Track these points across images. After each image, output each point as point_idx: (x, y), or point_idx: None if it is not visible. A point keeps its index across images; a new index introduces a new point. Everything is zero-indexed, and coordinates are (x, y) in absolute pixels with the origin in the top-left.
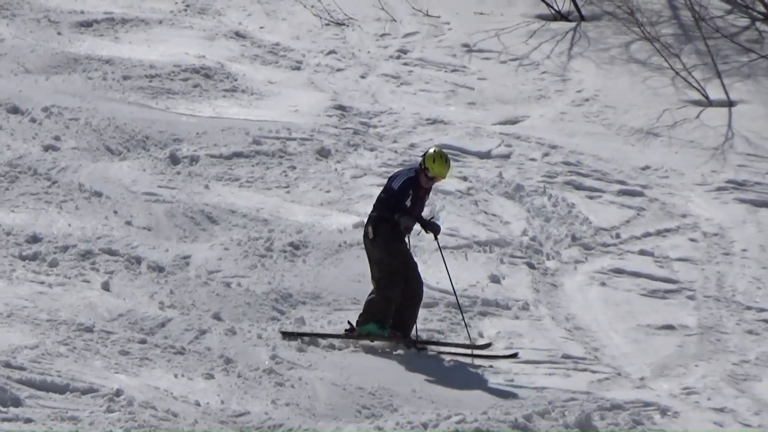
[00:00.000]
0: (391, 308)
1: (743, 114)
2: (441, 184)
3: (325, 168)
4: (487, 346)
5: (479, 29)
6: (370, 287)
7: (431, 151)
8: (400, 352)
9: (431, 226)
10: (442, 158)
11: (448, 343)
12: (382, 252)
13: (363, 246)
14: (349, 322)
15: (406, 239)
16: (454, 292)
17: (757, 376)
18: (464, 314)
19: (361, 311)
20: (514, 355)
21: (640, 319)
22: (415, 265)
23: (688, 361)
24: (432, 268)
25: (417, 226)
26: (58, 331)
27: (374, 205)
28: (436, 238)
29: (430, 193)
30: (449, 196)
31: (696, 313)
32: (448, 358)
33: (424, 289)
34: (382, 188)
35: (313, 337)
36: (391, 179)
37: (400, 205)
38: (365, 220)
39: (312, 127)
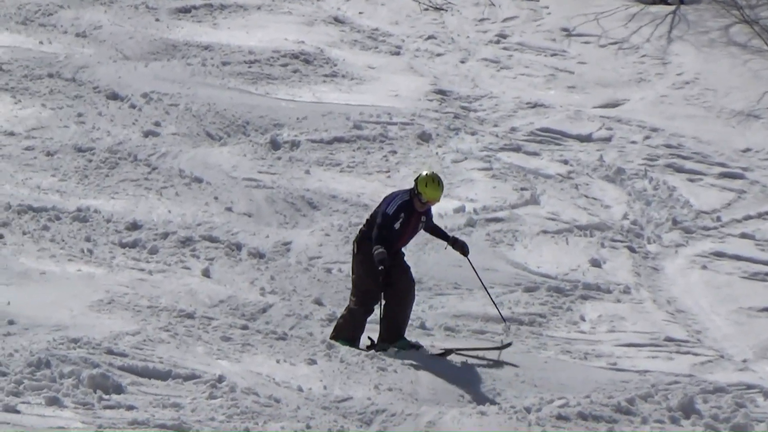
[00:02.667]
0: (356, 327)
1: None
2: (542, 168)
3: (425, 152)
4: (507, 346)
5: (578, 13)
6: (471, 272)
7: (423, 174)
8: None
9: (459, 246)
10: (434, 182)
11: (461, 349)
12: (360, 269)
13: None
14: (369, 338)
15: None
16: (493, 303)
17: None
18: (565, 297)
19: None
20: (507, 345)
21: (742, 301)
22: (403, 270)
23: None
24: (533, 252)
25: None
26: (159, 317)
27: (366, 220)
28: (467, 258)
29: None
30: (550, 180)
31: None
32: (551, 343)
33: (526, 273)
34: (377, 206)
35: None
36: (386, 200)
37: (384, 231)
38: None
39: (412, 112)
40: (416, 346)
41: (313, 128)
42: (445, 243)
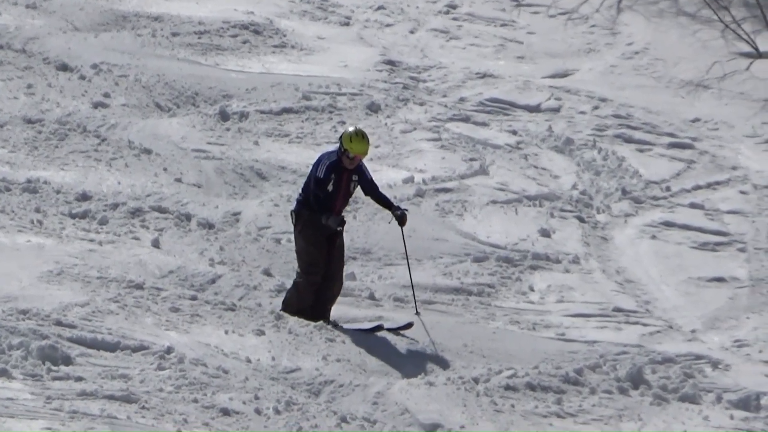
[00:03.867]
0: (302, 300)
1: None
2: (491, 138)
3: (374, 123)
4: (407, 326)
5: None
6: (421, 243)
7: (347, 130)
8: (453, 310)
9: (398, 218)
10: (358, 135)
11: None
12: (300, 239)
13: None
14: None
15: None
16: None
17: None
18: (514, 268)
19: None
20: (408, 325)
21: (691, 271)
22: (338, 258)
23: (740, 314)
24: (482, 222)
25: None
26: (108, 288)
27: (302, 189)
28: (401, 231)
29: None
30: (499, 150)
31: (747, 265)
32: (500, 313)
33: (475, 243)
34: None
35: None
36: (315, 165)
37: (322, 196)
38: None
39: (361, 83)
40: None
41: (262, 99)
42: (390, 215)
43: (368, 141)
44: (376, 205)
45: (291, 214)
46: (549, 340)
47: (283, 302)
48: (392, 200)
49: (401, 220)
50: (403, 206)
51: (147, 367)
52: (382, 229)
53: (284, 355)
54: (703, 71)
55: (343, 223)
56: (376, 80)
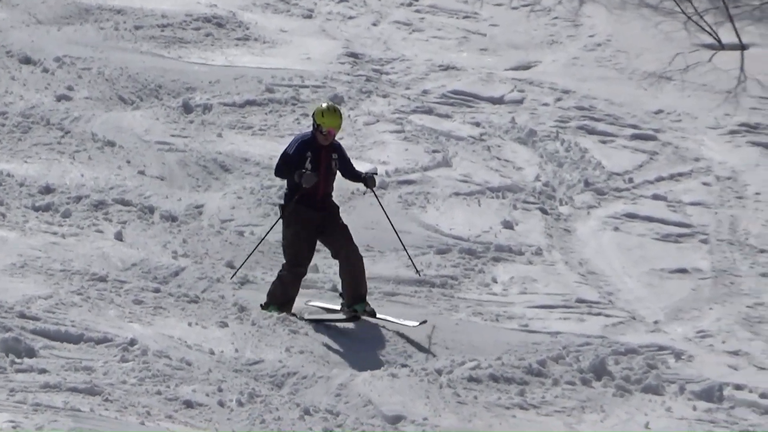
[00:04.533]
0: (286, 292)
1: (756, 57)
2: (454, 130)
3: None
4: (354, 318)
5: None
6: (384, 234)
7: (321, 105)
8: (416, 302)
9: (366, 180)
10: (329, 109)
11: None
12: (286, 231)
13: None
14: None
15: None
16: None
17: None
18: (477, 260)
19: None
20: (354, 317)
21: (654, 263)
22: (340, 229)
23: (702, 305)
24: (445, 214)
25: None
26: (71, 281)
27: (287, 182)
28: (373, 192)
29: (340, 150)
30: (462, 142)
31: (709, 256)
32: (463, 305)
33: (438, 235)
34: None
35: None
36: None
37: (284, 165)
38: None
39: (324, 75)
40: (372, 313)
41: (225, 92)
42: (362, 186)
43: (341, 115)
44: (338, 198)
45: (279, 208)
46: (512, 331)
47: (268, 294)
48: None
49: (367, 182)
50: (366, 198)
51: (110, 360)
52: (345, 221)
53: (247, 347)
54: (666, 63)
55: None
56: (339, 73)
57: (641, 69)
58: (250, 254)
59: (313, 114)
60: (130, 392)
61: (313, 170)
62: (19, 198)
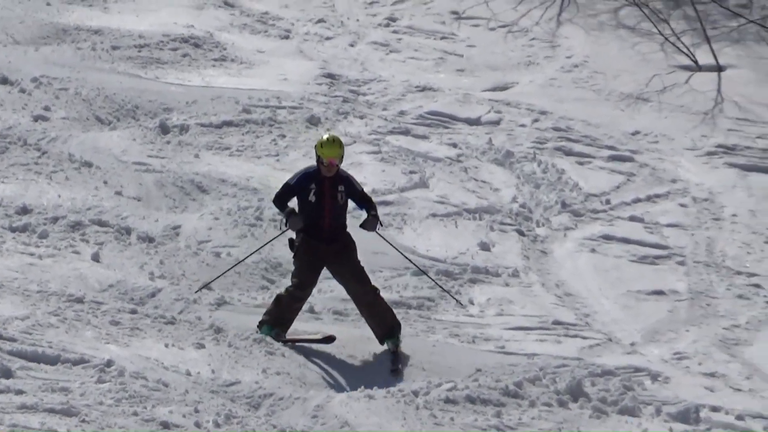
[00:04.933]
0: (282, 312)
1: (732, 79)
2: (431, 151)
3: (315, 136)
4: (330, 339)
5: None
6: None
7: (322, 137)
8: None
9: (364, 224)
10: (329, 141)
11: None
12: (295, 261)
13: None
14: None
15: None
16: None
17: (747, 341)
18: (454, 281)
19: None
20: (328, 339)
21: (631, 284)
22: (349, 276)
23: (679, 327)
24: (422, 235)
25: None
26: (48, 302)
27: None
28: (377, 233)
29: (356, 186)
30: (439, 163)
31: (686, 278)
32: (439, 326)
33: (415, 257)
34: None
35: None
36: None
37: (280, 196)
38: None
39: (301, 96)
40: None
41: (202, 112)
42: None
43: (341, 145)
44: None
45: (288, 241)
46: (488, 353)
47: (264, 313)
48: (376, 208)
49: (365, 225)
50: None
51: (87, 380)
52: None
53: (224, 368)
54: (643, 84)
55: (297, 223)
56: (316, 93)
57: (618, 90)
58: (224, 273)
59: (315, 146)
60: (107, 413)
61: (317, 202)
62: None
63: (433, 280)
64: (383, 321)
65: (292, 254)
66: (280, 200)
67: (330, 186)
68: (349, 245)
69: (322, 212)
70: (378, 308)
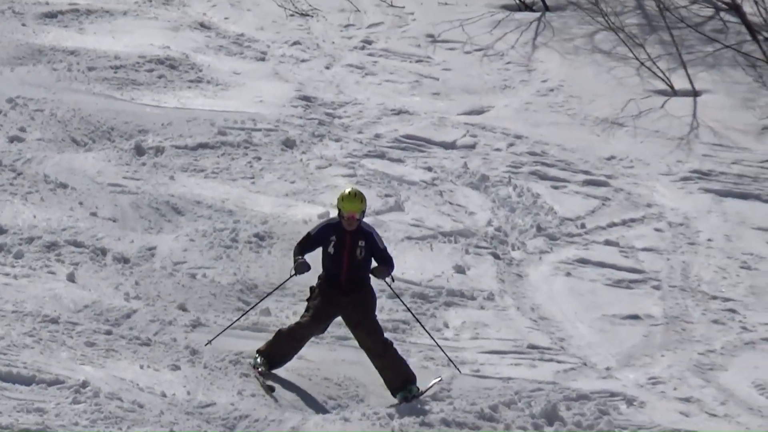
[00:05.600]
0: (278, 344)
1: (708, 104)
2: (406, 174)
3: (290, 158)
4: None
5: (443, 19)
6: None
7: (344, 191)
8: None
9: (373, 271)
10: (349, 194)
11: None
12: (307, 302)
13: None
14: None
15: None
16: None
17: (722, 366)
18: (429, 304)
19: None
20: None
21: (606, 309)
22: (362, 321)
23: (654, 351)
24: (397, 258)
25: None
26: (23, 322)
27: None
28: (386, 282)
29: (375, 237)
30: (414, 187)
31: (661, 302)
32: (414, 350)
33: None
34: None
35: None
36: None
37: (300, 246)
38: None
39: (277, 118)
40: (417, 395)
41: (177, 134)
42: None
43: (362, 200)
44: (291, 240)
45: (309, 289)
46: (464, 376)
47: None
48: (393, 266)
49: (374, 273)
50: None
51: (62, 401)
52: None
53: (199, 389)
54: (619, 109)
55: (302, 268)
56: (292, 116)
57: (594, 114)
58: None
59: (337, 199)
60: None
61: (335, 254)
62: None
63: (414, 316)
64: (396, 374)
65: (306, 299)
66: (300, 249)
67: (350, 240)
68: (367, 298)
69: (340, 265)
70: (390, 360)
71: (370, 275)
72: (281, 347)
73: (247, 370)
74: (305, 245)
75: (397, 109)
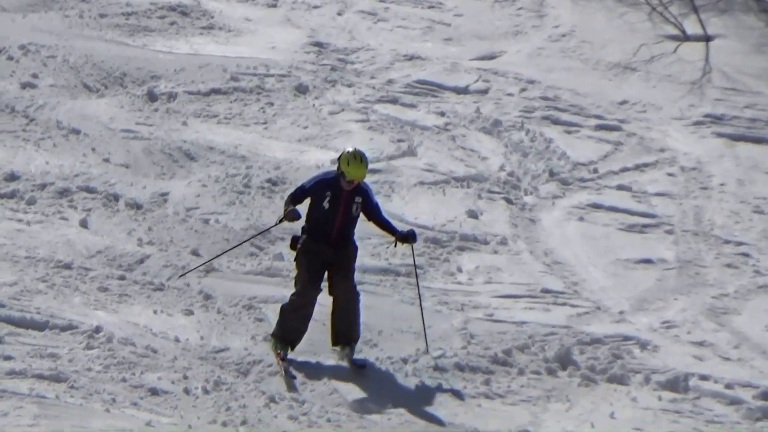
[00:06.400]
0: (285, 323)
1: (720, 48)
2: (419, 119)
3: (302, 104)
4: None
5: None
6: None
7: (346, 151)
8: (382, 291)
9: (404, 238)
10: (356, 159)
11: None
12: (295, 262)
13: None
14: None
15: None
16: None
17: (735, 310)
18: (442, 249)
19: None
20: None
21: (619, 253)
22: (344, 276)
23: (667, 295)
24: (410, 203)
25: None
26: (36, 268)
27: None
28: (412, 249)
29: (369, 195)
30: (427, 132)
31: (674, 247)
32: (428, 294)
33: (403, 225)
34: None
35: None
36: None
37: (293, 197)
38: None
39: (289, 64)
40: (360, 365)
41: (190, 80)
42: (393, 239)
43: (367, 165)
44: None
45: (290, 239)
46: (477, 320)
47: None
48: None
49: (406, 238)
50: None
51: (76, 347)
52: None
53: (213, 335)
54: (630, 54)
55: (289, 216)
56: (304, 62)
57: (606, 60)
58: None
59: (340, 157)
60: (95, 379)
61: (330, 210)
62: None
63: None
64: (348, 327)
65: (295, 254)
66: (291, 200)
67: (347, 196)
68: (352, 249)
69: (333, 220)
70: (351, 312)
71: (403, 241)
72: (290, 323)
73: (260, 314)
74: (298, 197)
75: (410, 55)
